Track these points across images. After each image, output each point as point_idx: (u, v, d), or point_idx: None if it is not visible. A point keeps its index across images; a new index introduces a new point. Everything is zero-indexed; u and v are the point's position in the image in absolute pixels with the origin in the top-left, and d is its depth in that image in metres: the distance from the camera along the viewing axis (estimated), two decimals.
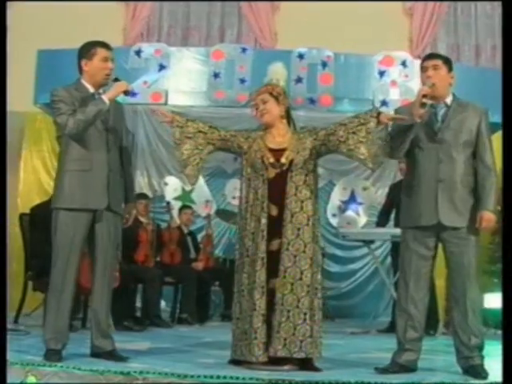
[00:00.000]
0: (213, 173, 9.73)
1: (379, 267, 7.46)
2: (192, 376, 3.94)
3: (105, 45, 4.54)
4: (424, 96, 4.32)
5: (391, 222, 7.25)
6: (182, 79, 7.28)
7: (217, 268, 8.51)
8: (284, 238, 4.33)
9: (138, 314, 7.17)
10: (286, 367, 4.29)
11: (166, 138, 8.75)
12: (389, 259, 8.09)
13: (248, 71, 7.44)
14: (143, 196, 7.80)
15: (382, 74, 7.43)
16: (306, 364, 4.34)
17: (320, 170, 9.29)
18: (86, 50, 4.51)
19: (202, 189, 9.69)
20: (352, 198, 9.51)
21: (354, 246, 9.20)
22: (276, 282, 4.31)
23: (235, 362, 4.41)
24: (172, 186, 9.66)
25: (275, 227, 4.35)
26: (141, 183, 9.61)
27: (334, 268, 9.54)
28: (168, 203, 8.47)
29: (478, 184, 4.39)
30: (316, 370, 4.31)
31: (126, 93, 4.47)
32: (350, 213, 9.50)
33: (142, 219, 7.53)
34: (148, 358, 4.66)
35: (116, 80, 4.50)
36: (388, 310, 8.15)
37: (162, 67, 7.33)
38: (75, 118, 4.29)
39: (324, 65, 7.28)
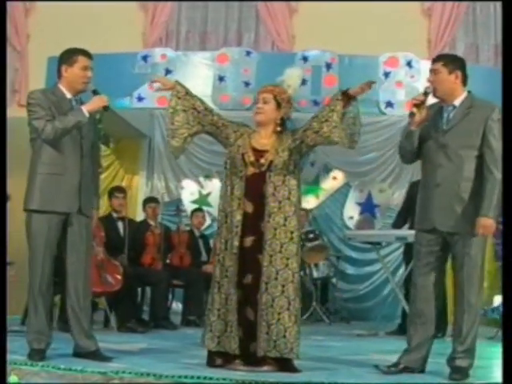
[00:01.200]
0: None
1: (387, 272, 7.43)
2: (167, 376, 3.99)
3: (86, 53, 4.60)
4: (415, 105, 4.33)
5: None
6: (188, 83, 7.19)
7: None
8: (262, 236, 4.35)
9: (146, 315, 7.25)
10: (264, 368, 4.31)
11: None
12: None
13: (252, 74, 7.47)
14: (152, 200, 7.89)
15: (387, 75, 7.37)
16: (285, 364, 4.35)
17: (337, 173, 9.57)
18: (68, 57, 4.56)
19: (218, 192, 9.72)
20: (368, 200, 9.47)
21: (370, 249, 9.14)
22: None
23: (215, 360, 4.42)
24: (189, 190, 9.75)
25: (250, 224, 4.37)
26: (158, 187, 9.71)
27: (351, 270, 9.52)
28: (177, 206, 8.53)
29: (480, 189, 4.27)
30: (295, 370, 4.32)
31: (106, 108, 4.53)
32: (366, 215, 9.46)
33: (151, 222, 7.61)
34: (134, 358, 4.73)
35: (95, 92, 4.55)
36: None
37: (167, 72, 7.40)
38: (53, 124, 4.36)
39: (328, 67, 7.26)
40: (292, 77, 4.61)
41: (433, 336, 4.46)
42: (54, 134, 4.37)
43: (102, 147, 9.45)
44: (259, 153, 4.46)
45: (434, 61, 4.46)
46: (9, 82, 10.12)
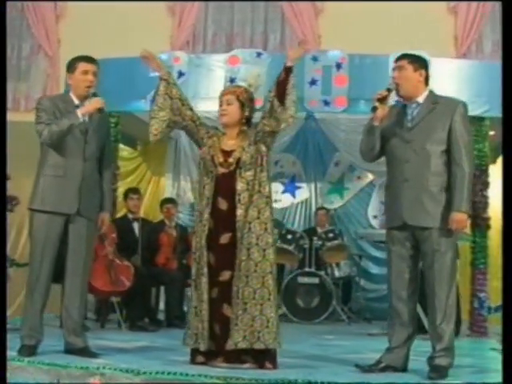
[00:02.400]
0: None
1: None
2: (144, 373, 4.10)
3: (86, 59, 4.81)
4: (378, 99, 4.35)
5: None
6: (200, 85, 7.39)
7: None
8: (237, 232, 4.42)
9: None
10: (245, 365, 4.38)
11: None
12: None
13: (263, 75, 7.52)
14: (169, 200, 8.04)
15: None
16: (267, 359, 4.42)
17: (362, 172, 9.55)
18: (70, 65, 4.80)
19: None
20: None
21: None
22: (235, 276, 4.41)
23: (196, 357, 4.50)
24: None
25: (225, 221, 4.46)
26: (184, 188, 9.85)
27: (374, 270, 9.47)
28: (193, 206, 8.65)
29: (450, 183, 4.31)
30: (275, 365, 4.40)
31: (101, 110, 4.68)
32: None
33: (167, 223, 7.73)
34: (126, 355, 4.87)
35: (94, 95, 4.72)
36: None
37: (181, 74, 7.47)
38: (50, 128, 4.56)
39: (338, 66, 7.23)
40: (253, 76, 4.68)
41: (413, 335, 4.45)
42: (50, 136, 4.57)
43: (130, 150, 9.69)
44: (227, 153, 4.54)
45: (399, 58, 4.49)
46: (40, 87, 10.43)
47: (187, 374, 4.03)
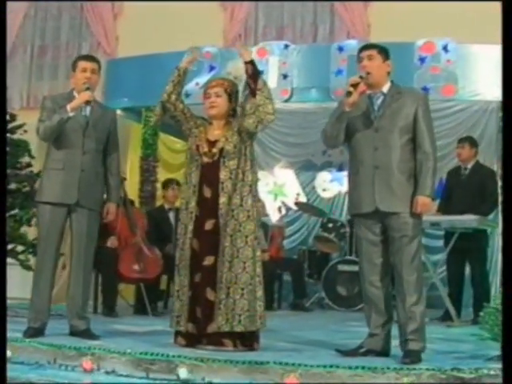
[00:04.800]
0: (302, 166, 9.98)
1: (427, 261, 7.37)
2: (130, 353, 4.32)
3: (85, 57, 5.16)
4: (352, 85, 4.43)
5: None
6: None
7: (286, 259, 8.77)
8: (221, 219, 4.61)
9: None
10: (228, 348, 4.55)
11: (259, 136, 9.11)
12: None
13: (290, 67, 7.64)
14: None
15: (422, 60, 7.30)
16: (249, 339, 4.62)
17: None
18: (73, 64, 5.11)
19: (292, 182, 9.98)
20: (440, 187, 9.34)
21: (440, 236, 9.04)
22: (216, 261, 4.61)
23: (178, 339, 4.73)
24: (263, 181, 10.03)
25: (209, 208, 4.64)
26: None
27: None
28: None
29: (415, 169, 4.41)
30: (257, 344, 4.61)
31: (87, 102, 4.94)
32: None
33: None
34: (123, 338, 5.13)
35: (87, 89, 4.98)
36: (470, 300, 7.94)
37: (211, 68, 7.71)
38: (44, 124, 4.88)
39: None
40: (238, 69, 4.81)
41: (389, 320, 4.52)
42: (44, 132, 4.90)
43: (182, 142, 9.97)
44: (212, 143, 4.72)
45: (367, 47, 4.57)
46: (99, 84, 10.82)
47: (168, 355, 4.23)
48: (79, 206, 4.96)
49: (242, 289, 4.57)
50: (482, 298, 6.87)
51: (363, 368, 3.99)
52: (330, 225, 8.68)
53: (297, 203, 9.45)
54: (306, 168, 9.83)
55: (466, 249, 7.02)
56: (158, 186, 8.60)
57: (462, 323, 6.87)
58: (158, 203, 8.27)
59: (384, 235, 4.49)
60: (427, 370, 3.96)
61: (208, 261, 4.62)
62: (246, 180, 4.67)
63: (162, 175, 9.09)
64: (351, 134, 4.57)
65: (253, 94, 4.63)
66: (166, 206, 7.77)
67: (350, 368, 3.98)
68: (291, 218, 9.94)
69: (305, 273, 8.67)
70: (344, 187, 9.93)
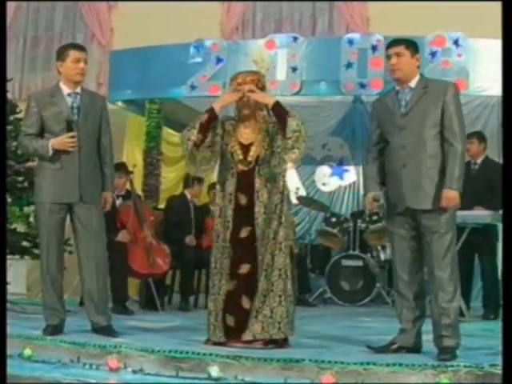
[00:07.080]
0: (302, 160, 9.86)
1: None
2: (158, 351, 4.24)
3: (77, 46, 4.96)
4: None
5: None
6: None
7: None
8: (257, 228, 4.55)
9: None
10: (258, 345, 4.48)
11: None
12: None
13: (300, 59, 7.57)
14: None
15: (433, 54, 7.26)
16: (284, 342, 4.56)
17: None
18: (60, 53, 4.90)
19: (292, 176, 9.89)
20: None
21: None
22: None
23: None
24: None
25: (245, 216, 4.58)
26: None
27: None
28: None
29: (443, 163, 4.35)
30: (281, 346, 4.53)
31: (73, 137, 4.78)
32: None
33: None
34: (149, 335, 5.03)
35: (69, 127, 4.78)
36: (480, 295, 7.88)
37: (219, 60, 7.61)
38: (25, 143, 4.90)
39: (374, 49, 7.23)
40: (265, 60, 4.73)
41: (421, 316, 4.47)
42: (22, 151, 5.26)
43: (179, 134, 9.85)
44: (246, 147, 4.63)
45: (395, 43, 4.47)
46: (94, 75, 10.69)
47: (198, 353, 4.14)
48: (82, 202, 4.85)
49: (280, 296, 4.51)
50: (492, 293, 6.89)
51: (400, 365, 3.96)
52: (334, 219, 8.61)
53: (298, 197, 9.35)
54: (306, 162, 9.72)
55: (476, 243, 6.96)
56: (162, 179, 8.46)
57: (473, 318, 6.82)
58: (162, 196, 8.12)
59: (417, 231, 4.44)
60: (465, 366, 3.92)
61: (244, 269, 4.56)
62: (278, 187, 4.61)
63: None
64: (384, 134, 4.54)
65: (283, 135, 4.50)
66: (188, 196, 7.66)
67: (387, 365, 3.94)
68: (291, 212, 9.83)
69: (308, 267, 8.59)
70: (344, 182, 9.89)
